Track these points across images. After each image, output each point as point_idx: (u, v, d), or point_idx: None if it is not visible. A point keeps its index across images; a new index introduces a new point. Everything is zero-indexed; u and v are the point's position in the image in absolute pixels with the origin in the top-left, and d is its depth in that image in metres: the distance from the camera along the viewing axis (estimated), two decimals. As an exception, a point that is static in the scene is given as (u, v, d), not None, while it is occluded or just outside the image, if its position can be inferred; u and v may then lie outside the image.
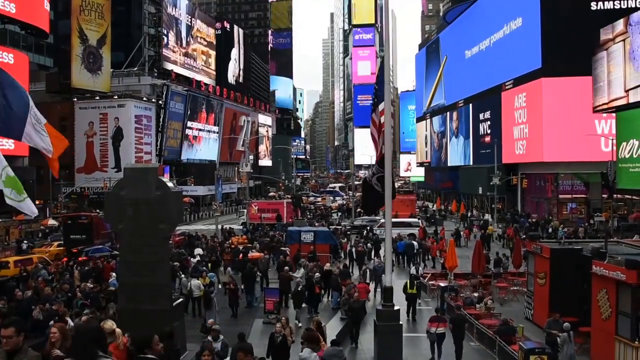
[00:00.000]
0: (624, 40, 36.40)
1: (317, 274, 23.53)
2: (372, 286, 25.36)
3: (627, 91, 36.29)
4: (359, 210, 64.79)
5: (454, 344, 16.78)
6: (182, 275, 23.75)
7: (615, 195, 43.86)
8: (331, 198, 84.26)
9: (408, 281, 21.93)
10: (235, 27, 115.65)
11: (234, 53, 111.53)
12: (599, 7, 48.15)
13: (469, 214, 58.74)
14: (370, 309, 21.33)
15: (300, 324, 19.73)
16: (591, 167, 46.53)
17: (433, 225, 49.91)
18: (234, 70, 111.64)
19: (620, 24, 37.10)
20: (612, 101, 38.13)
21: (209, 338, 13.48)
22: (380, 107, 16.35)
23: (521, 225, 45.11)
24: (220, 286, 25.01)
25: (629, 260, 15.15)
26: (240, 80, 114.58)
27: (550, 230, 42.70)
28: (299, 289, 21.93)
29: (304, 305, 21.87)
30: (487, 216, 55.65)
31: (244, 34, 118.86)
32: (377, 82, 17.04)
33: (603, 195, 47.22)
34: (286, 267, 25.00)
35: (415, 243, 34.30)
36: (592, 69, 39.88)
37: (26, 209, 11.96)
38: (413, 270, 26.27)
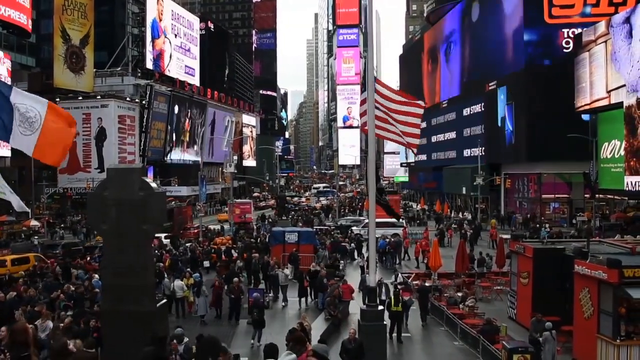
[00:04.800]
0: (605, 41, 36.78)
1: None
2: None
3: (609, 92, 36.68)
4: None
5: (420, 309, 21.12)
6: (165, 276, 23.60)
7: (597, 195, 44.22)
8: (315, 198, 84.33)
9: (392, 297, 19.60)
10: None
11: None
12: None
13: (452, 215, 58.94)
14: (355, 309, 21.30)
15: (260, 344, 17.84)
16: (574, 167, 46.80)
17: (418, 225, 49.96)
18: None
19: (602, 26, 37.48)
20: (594, 102, 38.49)
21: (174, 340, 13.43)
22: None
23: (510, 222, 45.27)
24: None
25: (610, 259, 15.29)
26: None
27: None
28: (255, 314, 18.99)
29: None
30: (467, 214, 55.81)
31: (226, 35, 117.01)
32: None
33: (585, 195, 47.59)
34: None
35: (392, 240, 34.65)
36: (574, 70, 40.23)
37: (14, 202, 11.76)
38: (400, 278, 24.71)
